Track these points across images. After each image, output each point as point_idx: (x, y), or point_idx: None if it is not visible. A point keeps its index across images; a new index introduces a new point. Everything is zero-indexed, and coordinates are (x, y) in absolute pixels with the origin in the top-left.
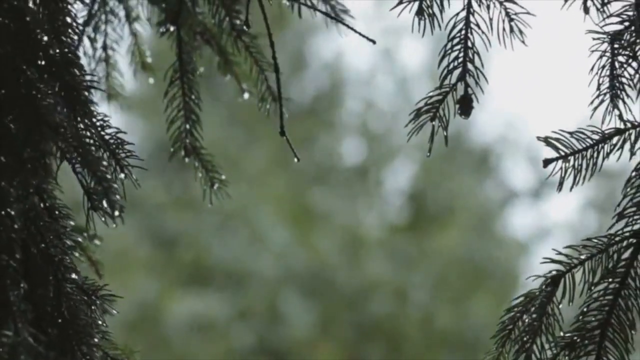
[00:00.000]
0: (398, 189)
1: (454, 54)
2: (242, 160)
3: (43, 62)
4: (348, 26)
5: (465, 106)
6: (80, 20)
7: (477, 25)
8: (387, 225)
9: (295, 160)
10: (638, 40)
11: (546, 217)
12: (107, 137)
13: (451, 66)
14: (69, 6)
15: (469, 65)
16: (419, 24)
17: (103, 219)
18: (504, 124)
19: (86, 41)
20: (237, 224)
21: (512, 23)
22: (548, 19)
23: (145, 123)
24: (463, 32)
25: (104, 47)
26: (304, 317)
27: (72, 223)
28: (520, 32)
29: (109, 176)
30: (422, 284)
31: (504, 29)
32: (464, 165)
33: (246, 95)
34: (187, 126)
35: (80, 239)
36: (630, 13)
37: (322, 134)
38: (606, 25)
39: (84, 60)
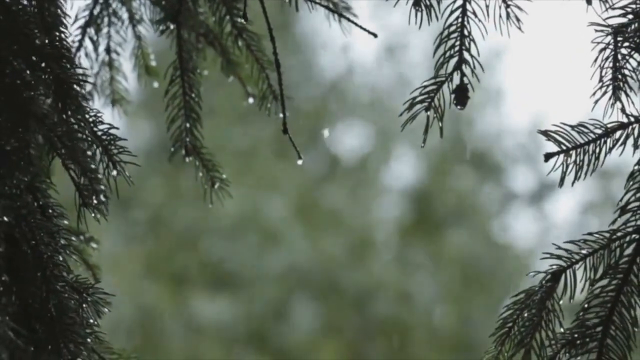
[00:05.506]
0: (404, 189)
1: (450, 42)
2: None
3: (32, 54)
4: (349, 19)
5: (461, 96)
6: (82, 21)
7: (474, 13)
8: (392, 226)
9: (299, 161)
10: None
11: (548, 219)
12: (99, 132)
13: (447, 54)
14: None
15: (465, 54)
16: (416, 15)
17: (93, 215)
18: (506, 124)
19: (89, 44)
20: (244, 223)
21: (509, 9)
22: (547, 12)
23: (147, 123)
24: (459, 19)
25: (107, 50)
26: (309, 317)
27: (66, 222)
28: (517, 18)
29: (93, 166)
30: (427, 285)
31: (500, 16)
32: (468, 166)
33: (251, 100)
34: (188, 125)
35: (75, 241)
36: (634, 6)
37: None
38: (609, 17)
39: (86, 63)
